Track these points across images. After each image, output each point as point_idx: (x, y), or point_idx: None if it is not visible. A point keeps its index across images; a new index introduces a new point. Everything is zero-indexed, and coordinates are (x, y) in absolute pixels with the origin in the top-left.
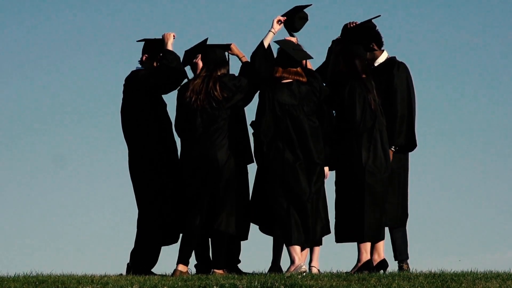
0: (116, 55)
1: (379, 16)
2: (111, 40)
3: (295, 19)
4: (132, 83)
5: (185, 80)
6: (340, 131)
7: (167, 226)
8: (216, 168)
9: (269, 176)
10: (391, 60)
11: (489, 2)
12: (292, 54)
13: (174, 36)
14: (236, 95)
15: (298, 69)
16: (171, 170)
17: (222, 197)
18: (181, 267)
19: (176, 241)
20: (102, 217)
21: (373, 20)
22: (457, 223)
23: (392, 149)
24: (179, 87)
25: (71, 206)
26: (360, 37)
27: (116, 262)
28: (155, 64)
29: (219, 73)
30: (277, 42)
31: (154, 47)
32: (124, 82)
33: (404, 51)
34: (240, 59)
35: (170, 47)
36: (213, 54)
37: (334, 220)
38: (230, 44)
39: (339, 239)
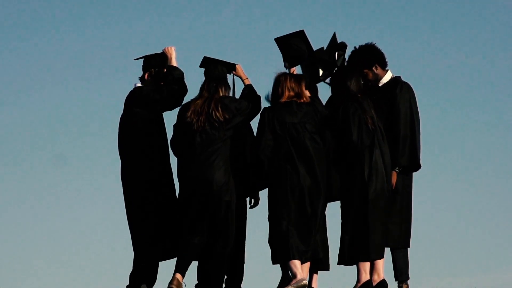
0: (117, 55)
1: (334, 32)
2: (111, 39)
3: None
4: (136, 99)
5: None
6: (340, 152)
7: (164, 241)
8: (214, 189)
9: (270, 192)
10: (395, 80)
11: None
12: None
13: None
14: (236, 117)
15: (299, 90)
16: (167, 187)
17: (222, 218)
18: (178, 276)
19: (175, 256)
20: (102, 236)
21: (338, 39)
22: (458, 243)
23: (396, 170)
24: (181, 105)
25: (70, 227)
26: (363, 58)
27: (116, 282)
28: (160, 82)
29: (221, 94)
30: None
31: (157, 63)
32: (126, 98)
33: (411, 71)
34: (243, 81)
35: (174, 62)
36: (215, 69)
37: (340, 242)
38: (236, 65)
39: (344, 261)
